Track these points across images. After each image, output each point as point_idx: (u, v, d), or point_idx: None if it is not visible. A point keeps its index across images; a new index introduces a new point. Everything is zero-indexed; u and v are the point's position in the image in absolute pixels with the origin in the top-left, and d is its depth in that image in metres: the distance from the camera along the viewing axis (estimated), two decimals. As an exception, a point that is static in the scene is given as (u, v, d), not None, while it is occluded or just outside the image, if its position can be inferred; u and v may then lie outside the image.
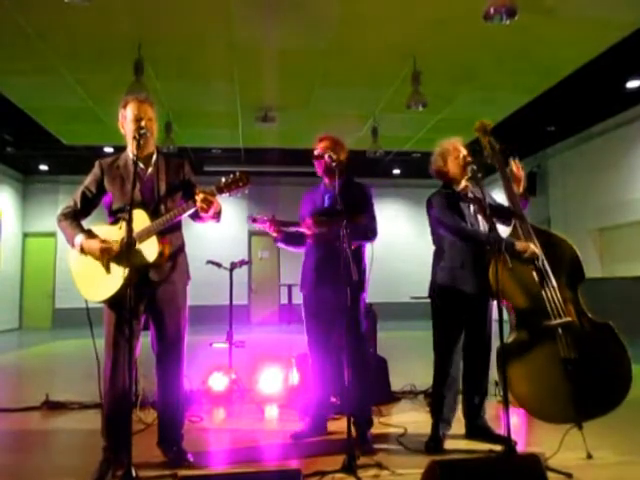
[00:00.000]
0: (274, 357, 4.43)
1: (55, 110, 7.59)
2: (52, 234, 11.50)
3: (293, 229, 3.10)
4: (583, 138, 9.29)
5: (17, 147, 9.55)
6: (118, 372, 2.43)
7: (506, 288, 2.60)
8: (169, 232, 2.57)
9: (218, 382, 3.97)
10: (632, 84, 7.11)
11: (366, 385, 2.92)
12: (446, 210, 2.87)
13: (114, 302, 2.45)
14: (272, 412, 3.70)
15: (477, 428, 2.91)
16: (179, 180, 2.68)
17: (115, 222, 2.55)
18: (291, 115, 7.89)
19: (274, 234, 3.07)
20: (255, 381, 4.08)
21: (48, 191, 11.87)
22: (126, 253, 2.33)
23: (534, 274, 2.65)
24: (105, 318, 2.50)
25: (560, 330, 2.57)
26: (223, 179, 2.54)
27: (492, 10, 4.13)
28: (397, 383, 4.13)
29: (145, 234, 2.44)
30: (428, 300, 3.00)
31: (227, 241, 11.40)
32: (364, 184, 3.08)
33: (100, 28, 5.26)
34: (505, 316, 2.45)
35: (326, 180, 3.13)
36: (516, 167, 2.88)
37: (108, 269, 2.47)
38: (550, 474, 2.05)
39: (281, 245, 3.19)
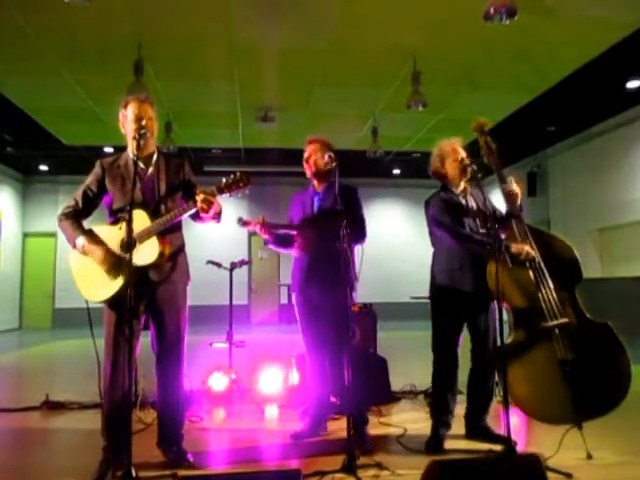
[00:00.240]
0: (274, 357, 4.43)
1: (55, 110, 7.59)
2: (52, 234, 11.51)
3: (283, 231, 3.09)
4: (583, 138, 9.29)
5: (17, 147, 9.55)
6: (118, 372, 2.43)
7: (504, 289, 2.60)
8: (169, 232, 2.57)
9: (218, 382, 3.97)
10: (632, 84, 7.11)
11: (359, 384, 2.91)
12: (444, 212, 2.87)
13: (114, 302, 2.45)
14: (272, 412, 3.70)
15: (477, 428, 2.91)
16: (179, 180, 2.68)
17: (115, 222, 2.55)
18: (291, 115, 7.89)
19: (265, 236, 3.06)
20: (255, 381, 4.08)
21: (48, 191, 11.87)
22: (126, 253, 2.33)
23: (531, 275, 2.65)
24: (105, 318, 2.50)
25: (557, 331, 2.57)
26: (224, 179, 2.53)
27: (492, 10, 4.14)
28: (397, 383, 4.13)
29: (145, 234, 2.44)
30: (428, 300, 3.00)
31: (227, 241, 11.39)
32: (351, 185, 3.06)
33: (100, 28, 5.26)
34: (505, 316, 2.46)
35: (315, 182, 3.14)
36: (514, 185, 2.84)
37: (109, 272, 2.47)
38: (550, 474, 2.04)
39: (272, 247, 3.18)
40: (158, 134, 2.75)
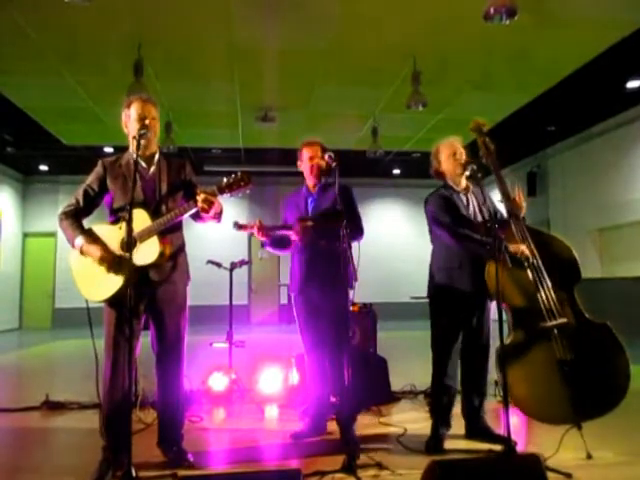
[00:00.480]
0: (274, 357, 4.43)
1: (55, 110, 7.58)
2: (52, 234, 11.51)
3: (280, 233, 3.09)
4: (583, 138, 9.29)
5: (17, 147, 9.55)
6: (118, 372, 2.43)
7: (503, 289, 2.59)
8: (170, 232, 2.57)
9: (218, 382, 3.97)
10: (632, 84, 7.11)
11: (356, 384, 2.91)
12: (443, 210, 2.87)
13: (114, 302, 2.45)
14: (272, 412, 3.70)
15: (477, 428, 2.91)
16: (180, 180, 2.68)
17: (116, 221, 2.55)
18: (291, 115, 7.89)
19: (262, 238, 3.05)
20: (255, 381, 4.08)
21: (48, 191, 11.87)
22: (122, 264, 2.34)
23: (530, 275, 2.65)
24: (105, 317, 2.50)
25: (556, 331, 2.57)
26: (225, 179, 2.53)
27: (492, 10, 4.14)
28: (397, 383, 4.13)
29: (146, 234, 2.44)
30: (427, 300, 3.01)
31: (227, 241, 11.38)
32: (344, 184, 3.04)
33: (100, 28, 5.26)
34: (505, 316, 2.46)
35: (311, 183, 3.15)
36: (518, 196, 2.83)
37: (108, 271, 2.47)
38: (550, 474, 2.05)
39: (269, 249, 3.19)
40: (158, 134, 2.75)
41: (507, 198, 2.80)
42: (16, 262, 11.74)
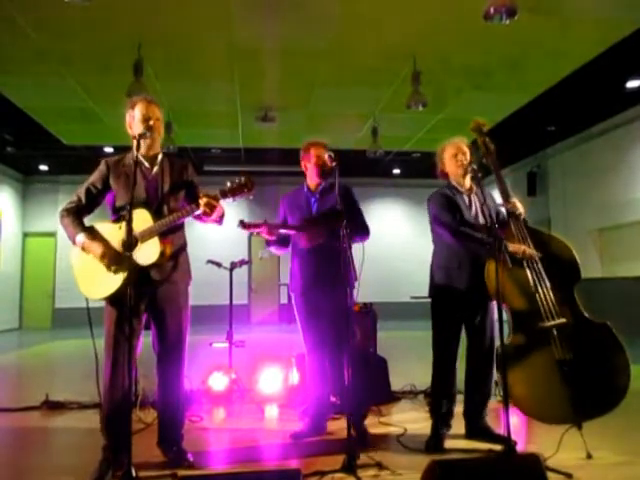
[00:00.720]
0: (274, 357, 4.43)
1: (55, 110, 7.58)
2: (52, 234, 11.51)
3: (284, 232, 3.08)
4: (583, 138, 9.29)
5: (17, 147, 9.55)
6: (118, 371, 2.43)
7: (502, 289, 2.59)
8: (171, 232, 2.58)
9: (218, 382, 3.97)
10: (632, 84, 7.11)
11: (360, 383, 2.94)
12: (444, 209, 2.88)
13: (114, 300, 2.45)
14: (272, 412, 3.70)
15: (477, 428, 2.91)
16: (182, 181, 2.70)
17: (118, 220, 2.55)
18: (291, 115, 7.89)
19: (271, 237, 3.03)
20: (255, 381, 4.08)
21: (48, 191, 11.87)
22: (122, 260, 2.34)
23: (529, 275, 2.65)
24: (106, 317, 2.51)
25: (555, 331, 2.57)
26: (228, 183, 2.55)
27: (492, 10, 4.14)
28: (397, 383, 4.13)
29: (147, 234, 2.45)
30: (428, 300, 3.01)
31: (227, 241, 11.38)
32: (345, 185, 3.05)
33: (100, 28, 5.26)
34: (505, 316, 2.46)
35: (314, 183, 3.14)
36: (518, 203, 2.83)
37: (109, 267, 2.47)
38: (550, 474, 2.05)
39: (273, 248, 3.16)
40: (158, 134, 2.76)
41: (507, 198, 2.80)
42: (16, 262, 11.75)
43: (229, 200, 2.53)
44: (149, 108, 2.59)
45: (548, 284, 2.63)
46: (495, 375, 2.96)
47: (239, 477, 2.14)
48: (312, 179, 3.16)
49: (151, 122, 2.55)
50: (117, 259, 2.43)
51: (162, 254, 2.49)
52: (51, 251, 11.78)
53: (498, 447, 2.66)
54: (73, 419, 3.57)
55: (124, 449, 2.18)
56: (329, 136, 7.21)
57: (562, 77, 6.59)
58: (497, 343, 2.70)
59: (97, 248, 2.46)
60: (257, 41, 5.60)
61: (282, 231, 3.06)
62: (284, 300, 11.72)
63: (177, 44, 5.67)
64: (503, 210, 2.94)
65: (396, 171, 12.22)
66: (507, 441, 2.33)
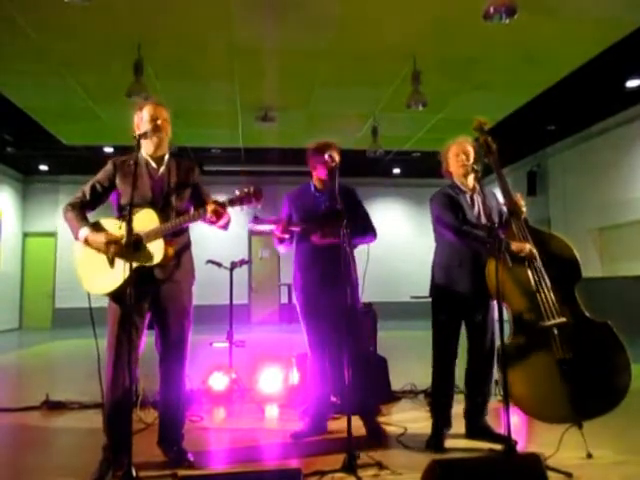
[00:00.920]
0: (274, 357, 4.43)
1: (55, 110, 7.58)
2: (52, 234, 11.49)
3: (296, 229, 3.07)
4: (583, 137, 9.29)
5: (17, 147, 9.55)
6: (119, 370, 2.43)
7: (502, 288, 2.59)
8: (176, 235, 2.60)
9: (218, 382, 3.97)
10: (632, 83, 7.11)
11: (365, 382, 2.97)
12: (445, 208, 2.87)
13: (117, 298, 2.46)
14: (272, 412, 3.70)
15: (477, 427, 2.91)
16: (188, 182, 2.72)
17: (122, 217, 2.56)
18: (291, 115, 7.89)
19: (285, 235, 3.00)
20: (255, 381, 4.08)
21: (48, 191, 11.86)
22: (126, 253, 2.34)
23: (529, 275, 2.65)
24: (109, 315, 2.51)
25: (555, 331, 2.57)
26: (237, 192, 2.57)
27: (492, 9, 4.14)
28: (397, 383, 4.13)
29: (153, 235, 2.47)
30: (428, 300, 3.00)
31: (227, 241, 11.37)
32: (348, 186, 3.06)
33: (100, 28, 5.26)
34: (506, 316, 2.46)
35: (322, 184, 3.12)
36: (519, 201, 2.83)
37: (112, 263, 2.48)
38: (550, 473, 2.05)
39: (283, 246, 3.13)
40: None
41: (508, 197, 2.80)
42: (16, 262, 11.74)
43: (237, 208, 2.56)
44: (157, 109, 2.64)
45: (549, 283, 2.63)
46: (495, 374, 2.97)
47: (239, 477, 2.14)
48: (321, 180, 3.13)
49: (158, 122, 2.59)
50: (122, 250, 2.45)
51: (166, 255, 2.50)
52: (51, 251, 11.77)
53: (498, 446, 2.66)
54: (73, 419, 3.57)
55: (124, 449, 2.18)
56: (329, 136, 7.16)
57: (562, 77, 6.60)
58: (498, 342, 2.70)
59: (102, 237, 2.47)
60: (257, 41, 5.61)
61: (294, 229, 3.04)
62: (284, 300, 11.72)
63: (177, 44, 5.67)
64: (505, 209, 2.94)
65: (396, 171, 12.22)
66: (507, 440, 2.33)
